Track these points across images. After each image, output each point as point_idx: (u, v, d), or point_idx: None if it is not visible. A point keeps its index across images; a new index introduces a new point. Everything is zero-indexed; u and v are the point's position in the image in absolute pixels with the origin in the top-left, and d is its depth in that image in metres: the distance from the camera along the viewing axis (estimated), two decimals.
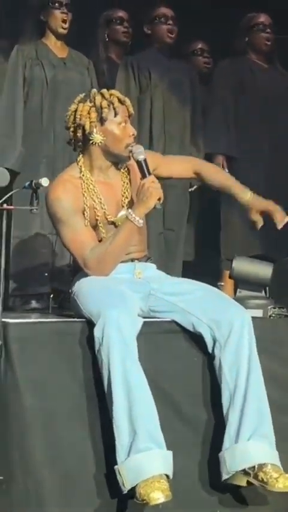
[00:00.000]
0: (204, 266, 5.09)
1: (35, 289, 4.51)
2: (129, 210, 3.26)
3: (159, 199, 3.25)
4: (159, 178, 3.37)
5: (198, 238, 5.25)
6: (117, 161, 3.39)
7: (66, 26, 4.71)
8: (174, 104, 4.93)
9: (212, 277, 4.51)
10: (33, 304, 4.47)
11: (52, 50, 4.77)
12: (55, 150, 4.59)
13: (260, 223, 3.57)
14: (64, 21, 4.70)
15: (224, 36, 5.16)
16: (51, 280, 4.48)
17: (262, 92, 5.01)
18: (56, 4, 4.71)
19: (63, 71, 4.74)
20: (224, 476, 3.08)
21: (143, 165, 3.28)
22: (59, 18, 4.71)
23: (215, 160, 4.98)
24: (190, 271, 4.86)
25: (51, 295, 4.09)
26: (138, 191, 3.26)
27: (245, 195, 3.55)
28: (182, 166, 3.60)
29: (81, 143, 3.38)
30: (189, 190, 5.02)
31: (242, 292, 3.58)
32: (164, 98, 4.91)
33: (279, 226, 3.53)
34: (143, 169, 3.28)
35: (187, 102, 4.98)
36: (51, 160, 4.59)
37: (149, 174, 3.28)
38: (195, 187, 5.04)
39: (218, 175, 3.66)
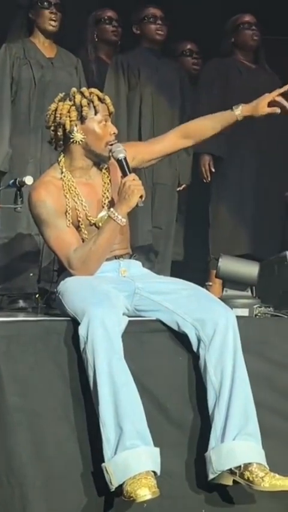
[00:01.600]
0: (193, 266, 5.10)
1: (22, 289, 4.51)
2: (112, 209, 3.27)
3: (141, 197, 3.25)
4: (145, 163, 3.42)
5: (187, 237, 5.26)
6: (98, 161, 3.40)
7: (55, 25, 4.70)
8: (163, 103, 4.93)
9: (201, 277, 4.53)
10: (21, 303, 4.46)
11: (40, 49, 4.76)
12: (42, 150, 4.59)
13: (276, 109, 3.48)
14: (53, 20, 4.69)
15: (213, 37, 5.17)
16: (39, 280, 4.47)
17: (249, 92, 4.97)
18: (45, 4, 4.70)
19: (51, 70, 4.73)
20: (210, 476, 3.08)
21: (124, 163, 3.29)
22: (48, 18, 4.70)
23: (202, 160, 5.00)
24: (179, 271, 4.87)
25: (37, 295, 4.08)
26: (120, 190, 3.26)
27: (237, 110, 3.51)
28: (166, 139, 3.53)
29: (61, 142, 3.38)
30: (178, 189, 5.03)
31: (228, 292, 3.58)
32: (153, 97, 4.92)
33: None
34: (124, 168, 3.28)
35: (176, 101, 4.99)
36: (39, 160, 4.59)
37: (130, 172, 3.28)
38: (183, 186, 5.05)
39: (205, 120, 3.59)
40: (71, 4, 4.82)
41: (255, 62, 5.18)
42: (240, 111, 3.51)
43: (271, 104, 3.50)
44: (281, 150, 5.03)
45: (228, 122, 3.53)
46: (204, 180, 5.05)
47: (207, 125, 3.56)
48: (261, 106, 3.50)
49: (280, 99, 3.48)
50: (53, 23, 4.70)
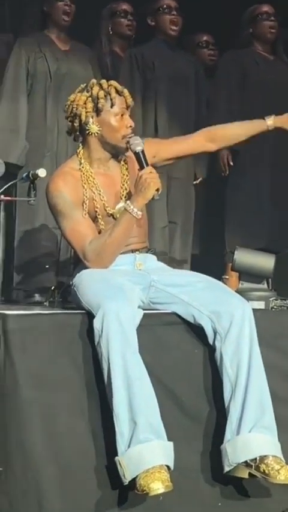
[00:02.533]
0: (209, 260, 5.08)
1: (39, 283, 4.51)
2: (128, 202, 3.25)
3: (157, 190, 3.23)
4: (166, 161, 3.40)
5: (204, 231, 5.24)
6: (115, 152, 3.38)
7: (69, 18, 4.70)
8: (178, 96, 4.91)
9: (218, 271, 4.51)
10: (37, 297, 4.47)
11: (55, 42, 4.75)
12: (59, 143, 4.59)
13: None
14: (66, 13, 4.69)
15: (229, 28, 5.15)
16: (56, 274, 4.47)
17: (267, 83, 4.98)
18: None
19: (66, 63, 4.72)
20: (226, 469, 3.07)
21: (141, 156, 3.27)
22: (61, 10, 4.70)
23: (220, 154, 4.96)
24: (196, 265, 4.86)
25: (52, 288, 4.08)
26: (136, 182, 3.24)
27: (269, 120, 3.48)
28: (191, 140, 3.50)
29: (78, 133, 3.37)
30: (194, 183, 5.00)
31: (244, 284, 3.56)
32: (168, 90, 4.89)
33: None
34: (141, 161, 3.27)
35: (191, 94, 4.96)
36: (55, 154, 4.59)
37: (147, 165, 3.26)
38: (200, 179, 5.03)
39: (233, 127, 3.55)
40: None
41: (273, 53, 5.14)
42: (272, 121, 3.48)
43: None
44: None
45: (258, 130, 3.51)
46: (223, 174, 5.02)
47: (235, 132, 3.53)
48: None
49: None
50: (66, 16, 4.69)
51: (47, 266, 4.46)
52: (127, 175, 3.38)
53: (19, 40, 4.70)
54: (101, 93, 3.31)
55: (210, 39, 5.41)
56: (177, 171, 4.87)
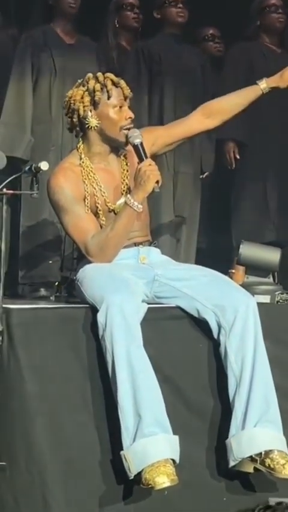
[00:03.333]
0: (216, 254, 5.06)
1: (44, 277, 4.51)
2: (128, 196, 3.24)
3: (157, 182, 3.21)
4: (167, 147, 3.40)
5: (210, 225, 5.22)
6: (115, 146, 3.37)
7: (74, 7, 4.66)
8: (185, 90, 4.88)
9: (225, 265, 4.49)
10: (42, 292, 4.46)
11: (60, 35, 4.73)
12: (63, 138, 4.57)
13: None
14: (72, 4, 4.66)
15: (236, 21, 5.12)
16: (61, 268, 4.47)
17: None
18: None
19: (71, 57, 4.70)
20: (231, 463, 3.07)
21: (140, 148, 3.25)
22: (66, 2, 4.67)
23: (226, 147, 4.95)
24: (202, 258, 4.84)
25: (56, 283, 4.07)
26: (136, 176, 3.23)
27: (262, 83, 3.48)
28: (188, 121, 3.48)
29: (79, 129, 3.36)
30: (201, 177, 4.99)
31: (250, 278, 3.55)
32: (175, 83, 4.87)
33: None
34: (140, 153, 3.25)
35: (198, 88, 4.93)
36: (60, 148, 4.58)
37: (146, 157, 3.24)
38: (206, 173, 5.01)
39: (229, 97, 3.53)
40: None
41: (281, 45, 5.11)
42: (265, 83, 3.47)
43: None
44: None
45: (253, 96, 3.49)
46: (229, 167, 5.00)
47: (232, 102, 3.50)
48: (287, 76, 3.46)
49: None
50: (72, 6, 4.66)
51: (50, 261, 4.45)
52: (127, 171, 3.36)
53: (24, 34, 4.68)
54: (97, 86, 3.30)
55: (216, 32, 5.38)
56: (184, 166, 4.85)
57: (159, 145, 3.40)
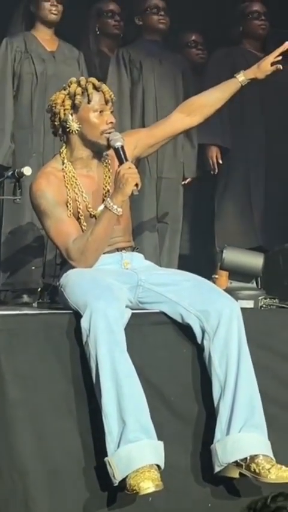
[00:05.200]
0: (199, 259, 5.06)
1: (26, 284, 4.49)
2: (108, 199, 3.23)
3: (136, 185, 3.20)
4: (150, 148, 3.40)
5: (193, 231, 5.22)
6: (97, 150, 3.36)
7: (56, 16, 4.67)
8: (166, 95, 4.89)
9: (208, 271, 4.49)
10: (25, 298, 4.44)
11: (41, 42, 4.73)
12: (45, 144, 4.56)
13: (279, 66, 3.47)
14: (53, 12, 4.66)
15: (218, 27, 5.13)
16: (43, 275, 4.45)
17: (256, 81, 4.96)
18: None
19: (53, 64, 4.70)
20: (216, 469, 3.05)
21: (120, 151, 3.25)
22: (48, 10, 4.67)
23: (209, 152, 4.96)
24: (185, 264, 4.84)
25: (39, 289, 4.06)
26: (115, 179, 3.23)
27: (240, 76, 3.49)
28: (169, 120, 3.48)
29: (61, 132, 3.36)
30: (183, 183, 4.99)
31: (233, 283, 3.54)
32: (156, 89, 4.88)
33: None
34: (120, 156, 3.25)
35: (179, 93, 4.94)
36: (41, 154, 4.56)
37: (126, 160, 3.24)
38: (188, 180, 5.01)
39: (208, 93, 3.54)
40: None
41: (263, 50, 5.12)
42: (243, 76, 3.49)
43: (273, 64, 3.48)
44: None
45: (233, 89, 3.51)
46: (212, 172, 5.01)
47: (212, 96, 3.51)
48: (264, 66, 3.49)
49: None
50: (53, 14, 4.66)
51: (33, 267, 4.43)
52: (109, 177, 3.36)
53: (5, 41, 4.67)
54: (78, 90, 3.31)
55: (199, 38, 5.38)
56: (166, 171, 4.86)
57: (141, 147, 3.41)
